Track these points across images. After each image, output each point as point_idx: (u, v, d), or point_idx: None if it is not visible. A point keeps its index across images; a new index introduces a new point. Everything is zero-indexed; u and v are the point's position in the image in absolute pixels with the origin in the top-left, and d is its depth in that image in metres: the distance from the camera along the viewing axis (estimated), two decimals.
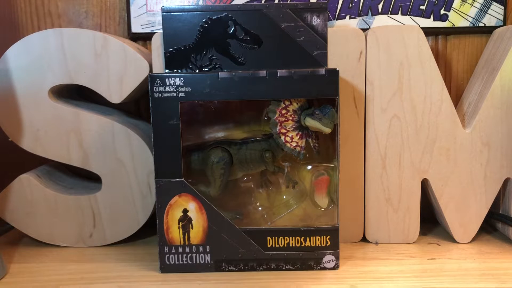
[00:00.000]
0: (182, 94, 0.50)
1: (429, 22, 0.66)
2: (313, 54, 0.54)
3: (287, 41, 0.53)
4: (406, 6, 0.66)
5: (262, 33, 0.53)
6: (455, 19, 0.66)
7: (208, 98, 0.51)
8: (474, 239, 0.60)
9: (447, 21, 0.66)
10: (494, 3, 0.65)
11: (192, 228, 0.52)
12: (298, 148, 0.53)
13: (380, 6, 0.66)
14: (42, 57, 0.57)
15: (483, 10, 0.66)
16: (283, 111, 0.52)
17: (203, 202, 0.52)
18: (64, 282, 0.51)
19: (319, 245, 0.52)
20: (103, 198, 0.59)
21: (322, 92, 0.51)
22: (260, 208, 0.57)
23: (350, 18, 0.67)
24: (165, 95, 0.50)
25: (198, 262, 0.53)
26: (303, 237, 0.52)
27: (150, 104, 0.50)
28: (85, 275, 0.52)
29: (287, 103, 0.52)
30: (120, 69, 0.57)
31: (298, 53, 0.54)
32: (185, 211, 0.52)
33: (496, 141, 0.58)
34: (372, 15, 0.66)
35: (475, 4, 0.66)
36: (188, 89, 0.50)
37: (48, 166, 0.65)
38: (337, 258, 0.53)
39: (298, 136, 0.53)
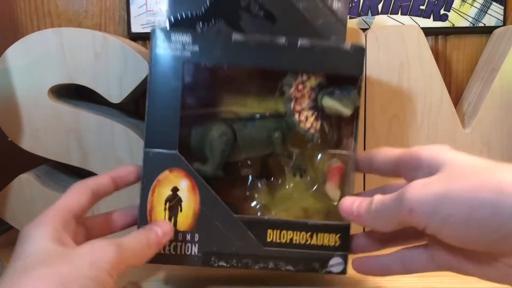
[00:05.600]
0: (187, 54, 0.44)
1: (429, 22, 0.66)
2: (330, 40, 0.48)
3: (303, 24, 0.47)
4: (406, 6, 0.66)
5: (277, 11, 0.47)
6: (455, 19, 0.66)
7: (217, 62, 0.44)
8: None
9: (447, 21, 0.66)
10: (494, 3, 0.65)
11: (181, 211, 0.44)
12: (312, 130, 0.47)
13: (380, 6, 0.66)
14: (41, 57, 0.57)
15: (483, 10, 0.66)
16: (300, 86, 0.46)
17: (197, 181, 0.44)
18: None
19: (327, 244, 0.45)
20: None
21: (345, 69, 0.45)
22: (259, 200, 0.53)
23: (350, 18, 0.66)
24: (168, 52, 0.44)
25: (183, 253, 0.45)
26: (309, 233, 0.45)
27: (150, 62, 0.44)
28: None
29: (305, 77, 0.46)
30: (120, 69, 0.57)
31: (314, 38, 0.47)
32: (175, 189, 0.44)
33: (496, 141, 0.58)
34: (372, 15, 0.66)
35: (475, 4, 0.66)
36: (196, 48, 0.44)
37: (48, 166, 0.65)
38: (345, 261, 0.46)
39: (314, 117, 0.47)
